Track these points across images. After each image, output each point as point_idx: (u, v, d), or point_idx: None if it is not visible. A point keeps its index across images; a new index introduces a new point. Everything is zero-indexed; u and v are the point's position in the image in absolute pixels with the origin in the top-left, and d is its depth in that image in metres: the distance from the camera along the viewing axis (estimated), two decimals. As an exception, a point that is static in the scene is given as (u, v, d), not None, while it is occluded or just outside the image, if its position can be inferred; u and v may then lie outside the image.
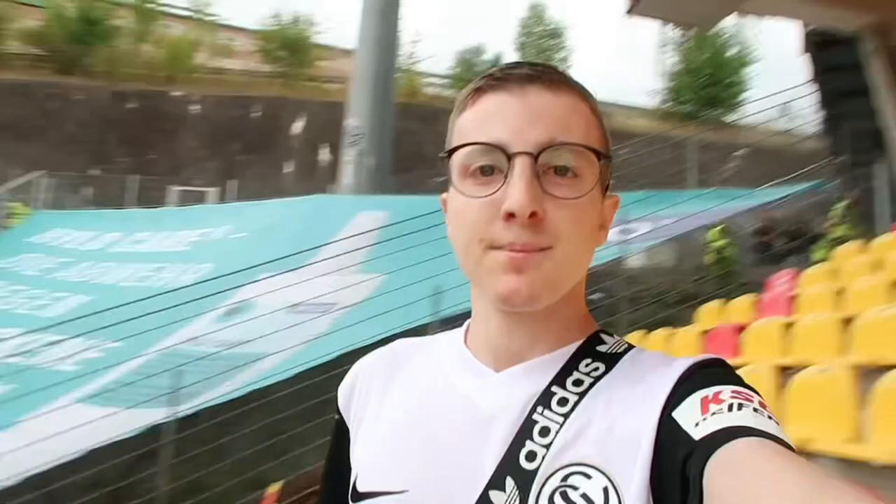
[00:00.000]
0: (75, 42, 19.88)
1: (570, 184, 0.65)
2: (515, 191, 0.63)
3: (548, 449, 0.62)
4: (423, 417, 0.71)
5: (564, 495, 0.60)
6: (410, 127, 16.50)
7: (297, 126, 18.80)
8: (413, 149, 15.60)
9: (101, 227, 11.28)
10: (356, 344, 4.82)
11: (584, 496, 0.59)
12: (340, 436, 0.79)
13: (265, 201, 11.03)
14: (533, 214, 0.63)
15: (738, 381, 0.62)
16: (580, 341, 0.71)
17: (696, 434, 0.56)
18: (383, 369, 0.79)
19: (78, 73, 19.35)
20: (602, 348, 0.71)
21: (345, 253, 6.61)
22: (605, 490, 0.59)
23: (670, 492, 0.56)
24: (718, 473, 0.52)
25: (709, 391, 0.59)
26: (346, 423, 0.79)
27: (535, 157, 0.64)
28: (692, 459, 0.54)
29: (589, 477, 0.60)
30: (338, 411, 0.80)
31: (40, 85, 18.35)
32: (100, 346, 6.63)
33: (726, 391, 0.59)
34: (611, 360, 0.69)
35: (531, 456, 0.63)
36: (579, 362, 0.69)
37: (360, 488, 0.71)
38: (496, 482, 0.63)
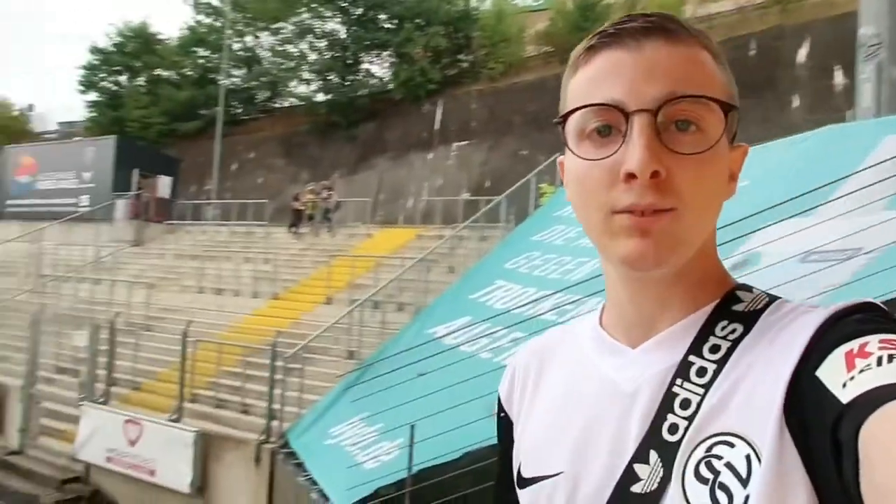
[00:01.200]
0: (576, 32, 21.91)
1: (694, 138, 0.62)
2: (635, 150, 0.60)
3: (689, 421, 0.61)
4: (571, 402, 0.72)
5: (709, 465, 0.59)
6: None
7: (801, 53, 16.73)
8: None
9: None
10: (889, 294, 4.01)
11: (728, 465, 0.58)
12: (506, 430, 0.82)
13: (768, 143, 10.16)
14: (655, 174, 0.60)
15: (889, 327, 0.56)
16: (714, 302, 0.68)
17: (845, 396, 0.51)
18: (535, 363, 0.80)
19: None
20: (739, 307, 0.67)
21: (867, 186, 5.56)
22: (748, 457, 0.57)
23: (822, 457, 0.52)
24: (873, 443, 0.47)
25: (853, 344, 0.54)
26: (510, 416, 0.81)
27: (654, 113, 0.61)
28: (843, 424, 0.50)
29: (732, 446, 0.58)
30: (501, 408, 0.83)
31: (552, 78, 20.92)
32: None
33: (873, 342, 0.54)
34: (749, 318, 0.65)
35: (673, 429, 0.62)
36: (715, 326, 0.66)
37: (524, 475, 0.74)
38: (640, 456, 0.63)
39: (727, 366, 0.62)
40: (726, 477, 0.57)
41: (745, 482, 0.56)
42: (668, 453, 0.61)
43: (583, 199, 0.66)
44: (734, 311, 0.66)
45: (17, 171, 25.41)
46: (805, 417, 0.54)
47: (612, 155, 0.62)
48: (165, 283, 15.83)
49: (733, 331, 0.64)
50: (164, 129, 28.92)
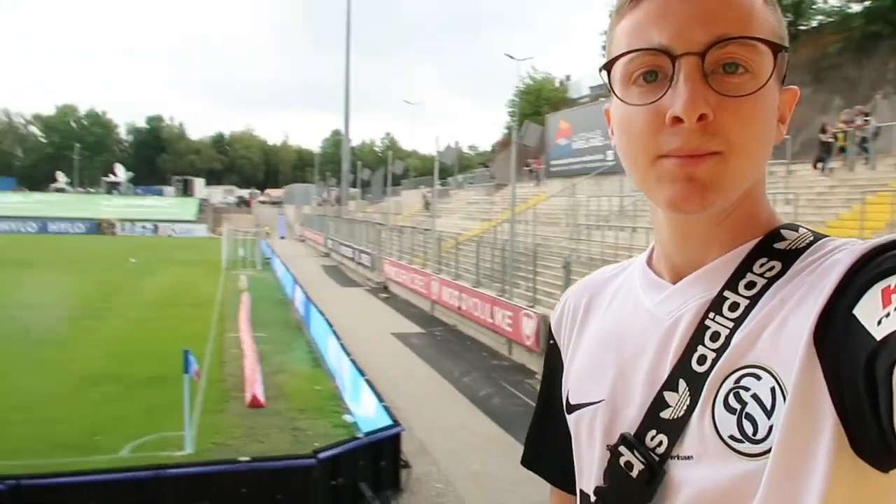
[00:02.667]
0: None
1: (742, 81, 0.62)
2: (681, 94, 0.61)
3: (718, 353, 0.64)
4: (617, 335, 0.76)
5: (738, 396, 0.61)
6: None
7: None
8: None
9: None
10: None
11: (755, 396, 0.60)
12: (554, 358, 0.87)
13: None
14: (701, 117, 0.60)
15: None
16: (757, 240, 0.68)
17: (879, 333, 0.50)
18: (585, 297, 0.84)
19: None
20: (781, 245, 0.67)
21: None
22: (773, 390, 0.59)
23: (855, 393, 0.52)
24: None
25: (890, 280, 0.52)
26: (559, 346, 0.86)
27: (701, 56, 0.61)
28: (878, 360, 0.50)
29: (759, 378, 0.60)
30: (551, 336, 0.88)
31: None
32: None
33: None
34: (789, 257, 0.66)
35: (702, 360, 0.65)
36: (754, 263, 0.67)
37: (571, 401, 0.79)
38: (670, 384, 0.66)
39: (760, 301, 0.63)
40: (752, 408, 0.60)
41: (769, 413, 0.58)
42: (696, 383, 0.64)
43: (629, 145, 0.66)
44: (775, 249, 0.67)
45: (557, 135, 29.47)
46: (838, 353, 0.54)
47: (658, 99, 0.62)
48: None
49: (771, 268, 0.65)
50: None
